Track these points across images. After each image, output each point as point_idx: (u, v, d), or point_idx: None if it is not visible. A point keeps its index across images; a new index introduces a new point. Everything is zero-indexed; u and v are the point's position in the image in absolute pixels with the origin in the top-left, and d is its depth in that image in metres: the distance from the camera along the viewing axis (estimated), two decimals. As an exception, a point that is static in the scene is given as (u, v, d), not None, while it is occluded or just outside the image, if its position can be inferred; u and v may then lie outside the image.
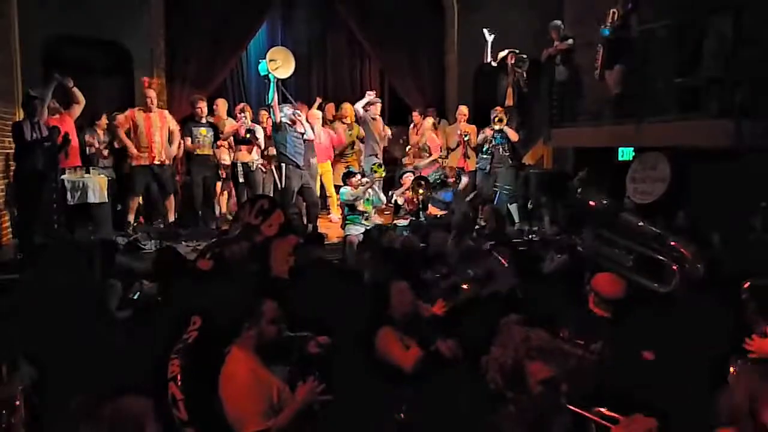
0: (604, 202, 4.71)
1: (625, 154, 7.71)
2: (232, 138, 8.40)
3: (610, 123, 7.41)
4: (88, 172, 7.55)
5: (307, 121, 8.36)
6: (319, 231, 7.79)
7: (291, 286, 4.21)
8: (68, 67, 7.35)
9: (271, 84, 7.83)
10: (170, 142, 7.99)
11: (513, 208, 8.33)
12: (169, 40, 9.69)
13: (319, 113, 9.16)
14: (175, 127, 8.10)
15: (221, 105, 8.90)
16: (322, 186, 9.02)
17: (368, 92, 9.22)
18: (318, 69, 11.29)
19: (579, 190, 5.68)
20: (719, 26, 6.07)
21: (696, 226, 5.67)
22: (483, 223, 7.43)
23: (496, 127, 8.33)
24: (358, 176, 7.93)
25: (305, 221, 8.05)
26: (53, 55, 8.32)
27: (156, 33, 9.46)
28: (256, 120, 8.75)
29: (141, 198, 8.04)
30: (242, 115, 8.54)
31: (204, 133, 8.18)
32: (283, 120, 7.77)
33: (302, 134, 7.96)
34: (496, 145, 8.40)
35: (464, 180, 8.96)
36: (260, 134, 8.40)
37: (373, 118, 9.02)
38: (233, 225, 5.71)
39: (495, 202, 8.17)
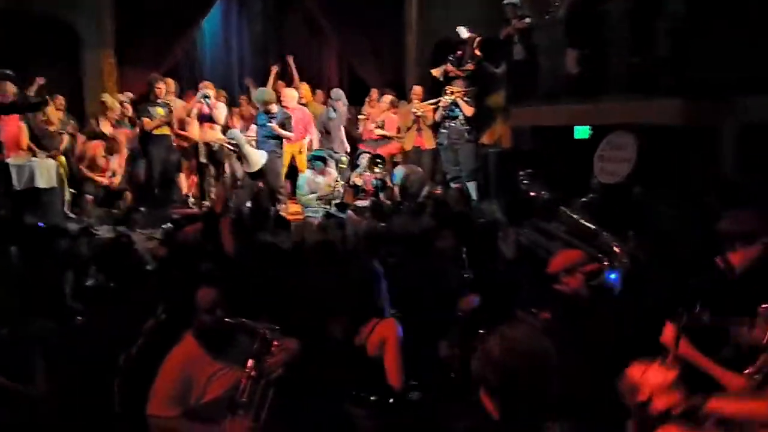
0: (545, 195, 4.81)
1: (581, 132, 7.79)
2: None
3: (568, 102, 7.48)
4: (35, 155, 7.27)
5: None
6: (281, 213, 7.71)
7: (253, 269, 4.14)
8: (11, 46, 7.04)
9: None
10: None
11: (471, 186, 8.37)
12: (119, 18, 9.35)
13: (295, 92, 9.01)
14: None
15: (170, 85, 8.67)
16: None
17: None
18: (274, 49, 11.08)
19: (525, 182, 5.79)
20: (672, 5, 6.16)
21: (649, 203, 5.77)
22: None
23: (448, 98, 8.28)
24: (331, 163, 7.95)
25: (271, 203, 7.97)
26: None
27: (105, 10, 9.10)
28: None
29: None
30: (203, 93, 8.33)
31: (161, 113, 7.97)
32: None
33: (273, 116, 7.89)
34: (453, 118, 8.37)
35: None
36: (221, 113, 8.23)
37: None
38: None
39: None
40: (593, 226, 4.04)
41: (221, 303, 2.83)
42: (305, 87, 9.52)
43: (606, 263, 3.67)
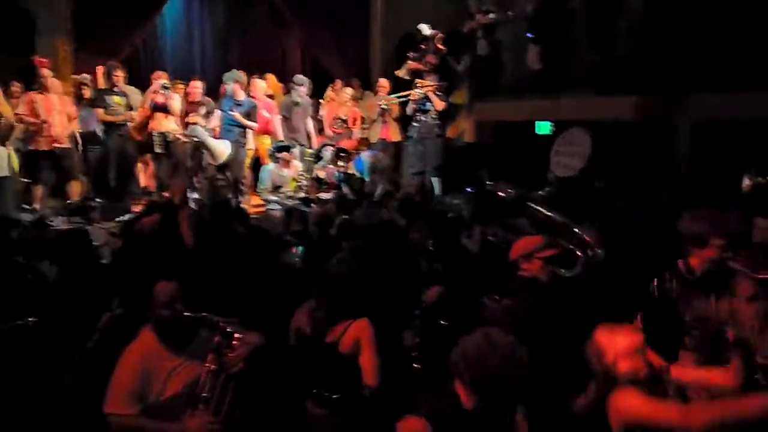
0: (511, 192, 4.87)
1: (542, 128, 7.91)
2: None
3: (530, 98, 7.57)
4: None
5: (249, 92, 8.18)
6: (242, 205, 7.62)
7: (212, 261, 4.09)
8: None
9: None
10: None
11: (435, 181, 8.41)
12: (76, 3, 9.08)
13: (263, 83, 8.90)
14: (72, 111, 7.67)
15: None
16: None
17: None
18: (236, 39, 10.93)
19: (488, 183, 5.85)
20: (631, 4, 6.29)
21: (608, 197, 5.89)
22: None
23: (419, 92, 8.29)
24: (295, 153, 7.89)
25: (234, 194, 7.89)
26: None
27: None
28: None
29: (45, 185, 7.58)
30: (162, 82, 8.15)
31: (119, 101, 7.79)
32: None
33: (239, 104, 7.80)
34: (424, 112, 8.37)
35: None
36: (177, 103, 8.07)
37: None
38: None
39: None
40: (561, 219, 4.09)
41: (180, 297, 2.77)
42: (272, 78, 9.41)
43: (579, 254, 3.73)
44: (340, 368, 3.03)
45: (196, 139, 7.82)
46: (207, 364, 2.71)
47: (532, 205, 4.55)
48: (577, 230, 3.88)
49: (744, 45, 5.19)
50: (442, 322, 3.53)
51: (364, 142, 9.30)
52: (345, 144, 8.82)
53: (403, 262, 4.23)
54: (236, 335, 2.77)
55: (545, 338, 2.94)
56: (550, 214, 4.24)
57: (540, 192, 6.08)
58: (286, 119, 8.92)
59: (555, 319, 3.12)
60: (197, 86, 8.43)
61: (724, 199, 4.43)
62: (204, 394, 2.68)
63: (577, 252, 3.76)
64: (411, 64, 8.73)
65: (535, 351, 2.79)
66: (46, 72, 7.38)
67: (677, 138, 5.88)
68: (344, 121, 9.14)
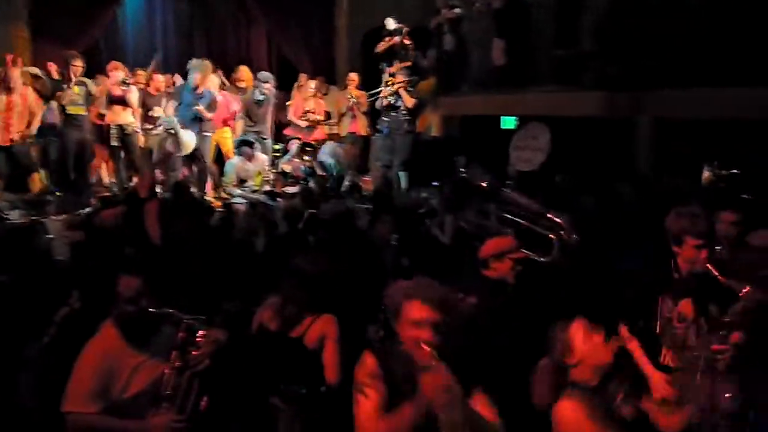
0: (486, 179, 4.91)
1: (508, 122, 7.99)
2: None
3: (495, 92, 7.63)
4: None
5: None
6: (206, 199, 7.53)
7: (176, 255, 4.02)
8: None
9: None
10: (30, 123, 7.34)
11: (402, 175, 8.42)
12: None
13: (216, 79, 8.77)
14: (37, 107, 7.46)
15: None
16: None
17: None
18: (200, 31, 10.76)
19: (462, 171, 5.87)
20: (595, 2, 6.38)
21: (570, 191, 5.98)
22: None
23: (390, 89, 8.28)
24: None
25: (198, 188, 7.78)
26: None
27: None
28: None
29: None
30: (121, 76, 7.98)
31: (77, 92, 7.60)
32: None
33: (200, 97, 7.71)
34: (394, 108, 8.37)
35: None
36: (135, 96, 7.91)
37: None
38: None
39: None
40: (537, 204, 4.13)
41: (145, 292, 2.69)
42: (246, 71, 9.30)
43: (554, 239, 3.76)
44: (305, 363, 3.01)
45: (171, 130, 7.70)
46: (171, 362, 2.65)
47: (506, 191, 4.57)
48: (550, 216, 3.91)
49: (705, 42, 5.30)
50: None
51: (335, 137, 9.28)
52: (311, 137, 8.77)
53: (368, 255, 4.23)
54: (200, 332, 2.72)
55: (508, 339, 2.96)
56: (523, 200, 4.26)
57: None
58: (248, 115, 8.84)
59: (518, 320, 3.14)
60: (160, 79, 8.28)
61: (684, 193, 4.54)
62: (168, 392, 2.62)
63: (552, 237, 3.78)
64: (382, 44, 8.69)
65: (497, 350, 2.83)
66: (15, 74, 7.16)
67: (639, 134, 5.99)
68: (311, 114, 9.11)
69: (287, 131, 9.18)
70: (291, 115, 9.24)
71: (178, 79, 9.06)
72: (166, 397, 2.62)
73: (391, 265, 4.25)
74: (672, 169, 5.39)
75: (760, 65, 4.83)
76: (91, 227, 4.39)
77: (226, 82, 9.14)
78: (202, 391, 2.68)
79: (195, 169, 7.92)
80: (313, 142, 8.73)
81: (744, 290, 2.63)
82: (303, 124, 9.08)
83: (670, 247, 2.90)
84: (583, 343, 2.24)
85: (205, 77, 8.03)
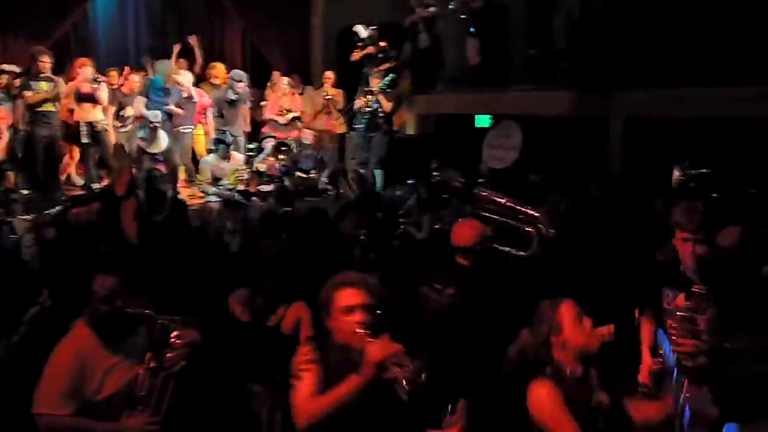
0: (461, 180, 4.96)
1: (482, 121, 8.04)
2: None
3: (470, 91, 7.68)
4: None
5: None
6: (179, 197, 7.44)
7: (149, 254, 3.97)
8: None
9: None
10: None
11: (378, 173, 8.43)
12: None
13: (190, 75, 8.68)
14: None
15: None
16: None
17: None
18: (173, 27, 10.61)
19: (435, 173, 5.92)
20: (567, 3, 6.45)
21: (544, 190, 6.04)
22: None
23: (371, 98, 8.30)
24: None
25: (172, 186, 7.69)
26: None
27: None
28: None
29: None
30: (91, 74, 7.84)
31: (45, 88, 7.45)
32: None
33: (169, 95, 7.67)
34: (372, 110, 8.37)
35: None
36: (104, 93, 7.78)
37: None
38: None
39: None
40: (513, 201, 4.15)
41: (121, 292, 2.63)
42: (220, 67, 9.21)
43: (532, 232, 3.79)
44: (285, 350, 3.02)
45: (153, 125, 7.61)
46: (146, 363, 2.62)
47: (480, 190, 4.60)
48: (527, 210, 3.93)
49: (676, 42, 5.37)
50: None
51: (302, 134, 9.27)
52: (288, 135, 8.75)
53: (336, 250, 4.21)
54: (175, 333, 2.69)
55: (486, 328, 2.99)
56: (497, 197, 4.28)
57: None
58: (220, 113, 8.78)
59: (497, 309, 3.16)
60: (135, 79, 8.17)
61: (653, 193, 4.62)
62: (142, 393, 2.59)
63: (530, 230, 3.81)
64: (357, 53, 8.69)
65: (478, 340, 2.86)
66: None
67: (610, 133, 6.07)
68: (289, 111, 9.09)
69: (265, 129, 9.11)
70: (269, 113, 9.19)
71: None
72: (140, 398, 2.59)
73: (359, 261, 4.23)
74: (644, 169, 5.47)
75: (731, 64, 4.90)
76: (64, 225, 4.30)
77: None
78: (180, 390, 2.65)
79: (167, 166, 7.84)
80: (287, 140, 8.70)
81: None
82: (282, 120, 9.04)
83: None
84: (572, 325, 2.23)
85: (170, 77, 7.96)
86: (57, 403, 2.48)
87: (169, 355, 2.65)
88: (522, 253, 3.78)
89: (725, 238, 3.23)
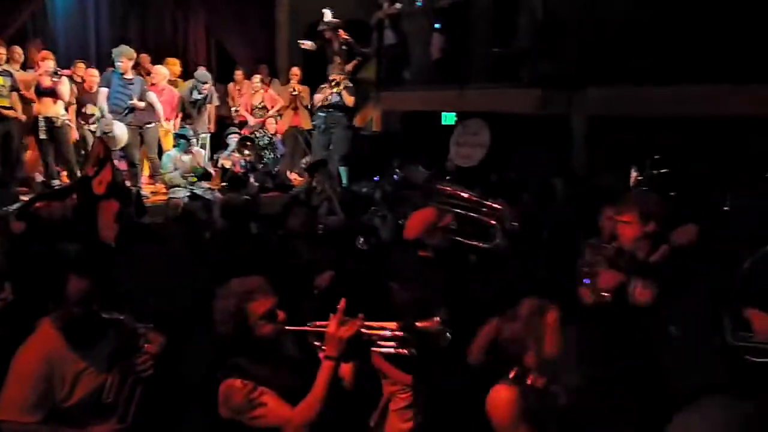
0: (423, 174, 5.02)
1: (448, 118, 8.12)
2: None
3: (435, 88, 7.75)
4: None
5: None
6: (141, 194, 7.35)
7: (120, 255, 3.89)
8: None
9: None
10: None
11: (342, 170, 8.44)
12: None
13: (165, 70, 8.55)
14: None
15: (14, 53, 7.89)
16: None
17: None
18: (136, 20, 10.40)
19: (396, 172, 5.98)
20: (531, 2, 6.56)
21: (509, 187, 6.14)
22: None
23: (334, 90, 8.26)
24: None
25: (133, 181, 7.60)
26: None
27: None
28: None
29: None
30: (52, 67, 7.64)
31: (2, 82, 7.24)
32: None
33: (131, 84, 7.54)
34: (332, 104, 8.33)
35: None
36: (66, 87, 7.60)
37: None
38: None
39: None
40: (476, 195, 4.20)
41: (96, 295, 2.52)
42: (176, 63, 9.08)
43: (495, 225, 3.84)
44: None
45: (108, 132, 7.48)
46: (115, 368, 2.56)
47: (444, 183, 4.64)
48: (490, 203, 3.99)
49: (639, 41, 5.46)
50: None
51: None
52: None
53: (283, 248, 4.20)
54: (146, 337, 2.64)
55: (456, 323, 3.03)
56: (460, 191, 4.33)
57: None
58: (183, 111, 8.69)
59: (463, 302, 3.21)
60: (94, 74, 8.00)
61: (614, 192, 4.73)
62: (109, 400, 2.52)
63: (493, 222, 3.87)
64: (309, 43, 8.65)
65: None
66: None
67: (573, 131, 6.20)
68: (262, 108, 9.06)
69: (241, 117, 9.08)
70: (242, 111, 9.21)
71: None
72: (108, 404, 2.52)
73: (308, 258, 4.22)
74: (605, 167, 5.60)
75: (695, 62, 4.97)
76: (34, 219, 4.15)
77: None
78: (148, 396, 2.61)
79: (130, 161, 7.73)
80: (251, 135, 8.68)
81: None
82: (252, 121, 9.01)
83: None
84: (554, 334, 2.10)
85: (130, 62, 7.79)
86: (23, 411, 2.38)
87: (139, 360, 2.60)
88: (485, 245, 3.82)
89: (681, 236, 3.32)
